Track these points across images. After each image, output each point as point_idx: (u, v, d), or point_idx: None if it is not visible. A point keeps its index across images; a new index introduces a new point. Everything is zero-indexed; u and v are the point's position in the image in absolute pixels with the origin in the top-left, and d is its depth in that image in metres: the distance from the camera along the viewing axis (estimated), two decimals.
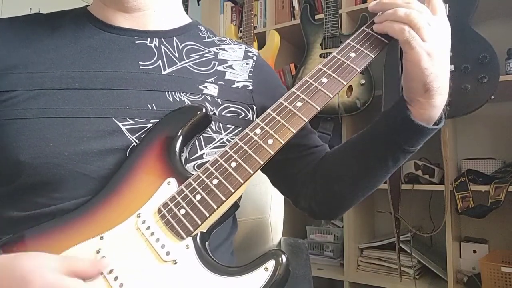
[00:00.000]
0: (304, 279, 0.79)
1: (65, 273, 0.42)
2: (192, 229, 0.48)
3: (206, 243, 0.50)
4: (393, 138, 0.59)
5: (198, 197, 0.50)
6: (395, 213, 1.62)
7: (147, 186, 0.52)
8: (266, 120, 0.54)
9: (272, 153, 0.52)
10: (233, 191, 0.50)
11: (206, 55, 0.67)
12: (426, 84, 0.54)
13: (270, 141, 0.52)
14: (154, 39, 0.64)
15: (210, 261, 0.47)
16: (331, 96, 0.54)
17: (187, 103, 0.59)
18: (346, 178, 0.65)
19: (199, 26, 0.72)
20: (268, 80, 0.73)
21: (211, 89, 0.63)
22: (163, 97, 0.59)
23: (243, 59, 0.70)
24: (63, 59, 0.57)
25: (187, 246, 0.48)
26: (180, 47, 0.65)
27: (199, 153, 0.58)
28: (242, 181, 0.50)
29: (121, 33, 0.62)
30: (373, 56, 0.56)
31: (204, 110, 0.57)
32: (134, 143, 0.55)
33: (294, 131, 0.53)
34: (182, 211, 0.49)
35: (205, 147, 0.59)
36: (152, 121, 0.56)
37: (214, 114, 0.61)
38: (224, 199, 0.49)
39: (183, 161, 0.55)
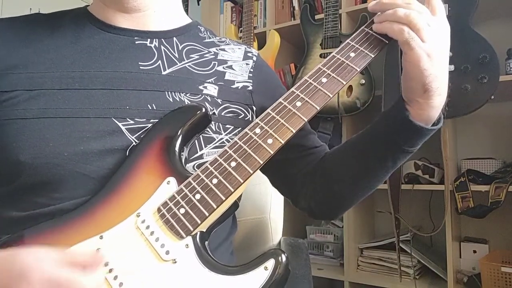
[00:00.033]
0: (304, 279, 0.79)
1: (65, 266, 0.42)
2: (191, 228, 0.48)
3: (206, 243, 0.50)
4: (393, 138, 0.59)
5: (197, 196, 0.50)
6: (395, 213, 1.62)
7: (146, 185, 0.52)
8: (266, 120, 0.54)
9: (272, 152, 0.52)
10: (232, 190, 0.50)
11: (206, 55, 0.67)
12: (425, 84, 0.54)
13: (269, 141, 0.52)
14: (154, 39, 0.64)
15: (210, 260, 0.47)
16: (331, 95, 0.54)
17: (187, 103, 0.59)
18: (346, 178, 0.65)
19: (199, 26, 0.72)
20: (268, 81, 0.73)
21: (211, 90, 0.63)
22: (163, 97, 0.59)
23: (243, 60, 0.70)
24: (63, 59, 0.57)
25: (187, 245, 0.48)
26: (180, 47, 0.65)
27: (199, 153, 0.58)
28: (242, 181, 0.50)
29: (121, 33, 0.62)
30: (373, 56, 0.56)
31: (203, 110, 0.57)
32: (134, 143, 0.55)
33: (294, 131, 0.53)
34: (182, 210, 0.49)
35: (205, 147, 0.59)
36: (152, 121, 0.56)
37: (214, 114, 0.61)
38: (223, 198, 0.49)
39: (183, 160, 0.55)
